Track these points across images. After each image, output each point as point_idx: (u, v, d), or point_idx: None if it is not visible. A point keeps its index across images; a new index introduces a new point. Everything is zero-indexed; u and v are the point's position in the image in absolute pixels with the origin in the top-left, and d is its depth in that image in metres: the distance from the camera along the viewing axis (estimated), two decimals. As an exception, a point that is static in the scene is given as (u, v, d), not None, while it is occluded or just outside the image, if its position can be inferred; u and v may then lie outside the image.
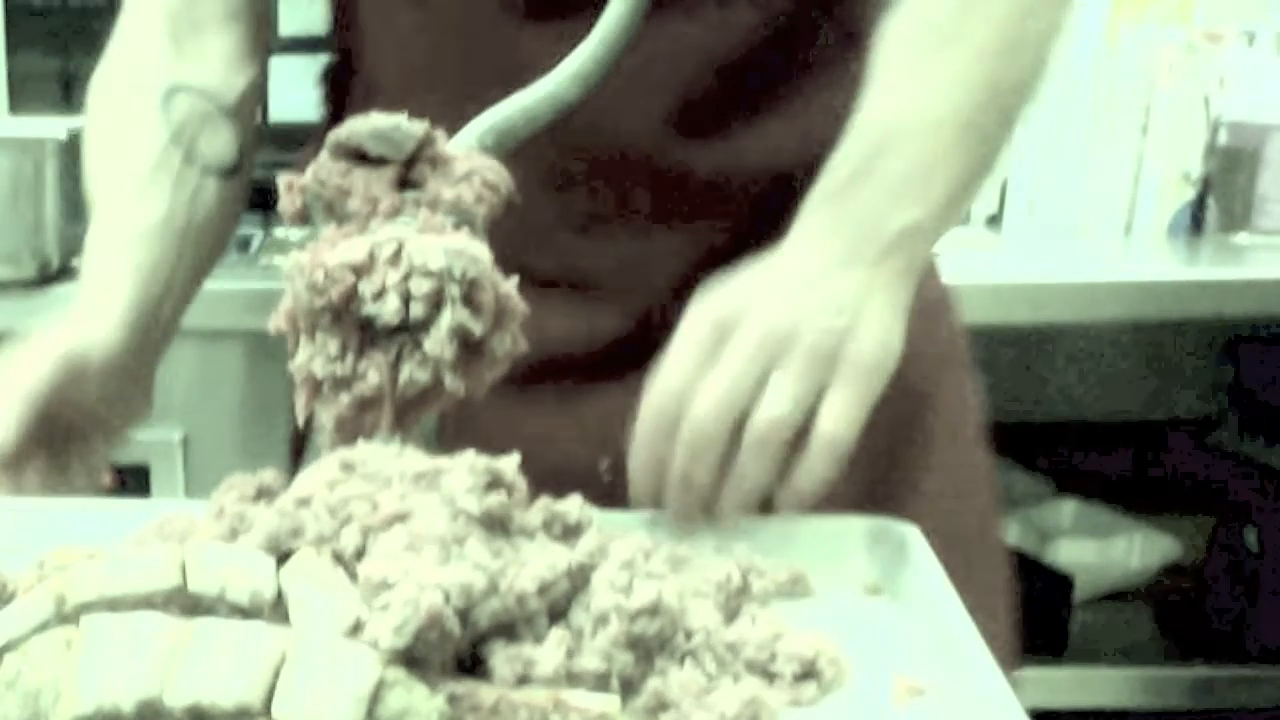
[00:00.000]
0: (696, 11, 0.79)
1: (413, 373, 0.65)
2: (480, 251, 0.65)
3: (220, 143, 0.84)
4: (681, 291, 0.76)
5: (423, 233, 0.66)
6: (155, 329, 0.81)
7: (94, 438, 0.78)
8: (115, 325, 0.78)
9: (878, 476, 0.84)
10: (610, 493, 0.78)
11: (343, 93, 0.91)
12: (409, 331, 0.65)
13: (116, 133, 0.85)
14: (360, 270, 0.65)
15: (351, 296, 0.65)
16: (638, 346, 0.81)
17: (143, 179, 0.81)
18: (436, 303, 0.64)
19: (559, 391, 0.85)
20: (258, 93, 0.89)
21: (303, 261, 0.65)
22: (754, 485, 0.66)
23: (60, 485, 0.75)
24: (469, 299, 0.65)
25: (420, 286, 0.64)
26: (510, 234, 0.78)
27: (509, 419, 0.84)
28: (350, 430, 0.67)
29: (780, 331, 0.66)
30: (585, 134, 0.79)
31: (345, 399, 0.66)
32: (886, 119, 0.70)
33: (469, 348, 0.66)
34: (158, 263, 0.81)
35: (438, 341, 0.64)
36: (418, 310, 0.64)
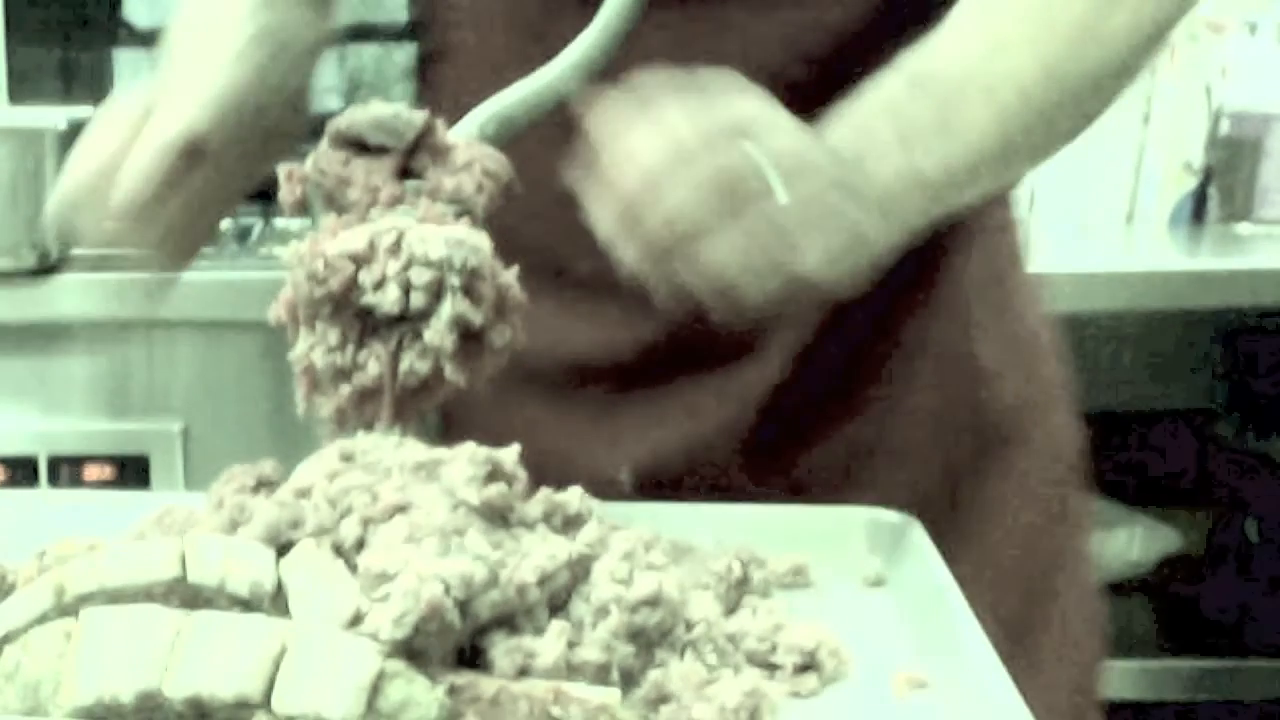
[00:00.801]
0: (771, 8, 0.76)
1: (413, 363, 0.65)
2: (481, 241, 0.65)
3: (293, 69, 0.81)
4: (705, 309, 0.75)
5: (423, 222, 0.66)
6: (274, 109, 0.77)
7: (219, 190, 0.75)
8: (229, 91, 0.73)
9: (956, 504, 0.83)
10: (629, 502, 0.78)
11: (435, 87, 0.90)
12: (409, 321, 0.65)
13: (204, 26, 0.80)
14: (360, 260, 0.64)
15: (352, 286, 0.65)
16: (672, 358, 0.80)
17: (232, 47, 0.77)
18: (436, 293, 0.64)
19: (590, 398, 0.84)
20: (321, 52, 0.87)
21: (303, 251, 0.65)
22: (723, 257, 0.61)
23: (179, 239, 0.72)
24: (469, 289, 0.65)
25: (420, 276, 0.64)
26: (556, 234, 0.77)
27: (536, 422, 0.83)
28: (350, 421, 0.67)
29: (800, 159, 0.62)
30: None
31: (345, 389, 0.66)
32: (922, 64, 0.67)
33: (469, 338, 0.66)
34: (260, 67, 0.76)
35: (438, 332, 0.64)
36: (418, 300, 0.64)
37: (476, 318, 0.65)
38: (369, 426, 0.66)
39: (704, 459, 0.82)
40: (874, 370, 0.82)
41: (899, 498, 0.79)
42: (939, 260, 0.82)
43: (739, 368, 0.81)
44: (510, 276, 0.67)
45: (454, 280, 0.64)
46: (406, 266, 0.64)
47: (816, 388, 0.82)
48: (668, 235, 0.60)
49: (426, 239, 0.64)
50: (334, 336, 0.66)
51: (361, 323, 0.66)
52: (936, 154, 0.65)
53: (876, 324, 0.82)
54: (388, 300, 0.64)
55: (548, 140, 0.73)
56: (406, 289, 0.64)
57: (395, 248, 0.64)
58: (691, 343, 0.79)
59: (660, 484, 0.81)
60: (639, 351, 0.81)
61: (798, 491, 0.81)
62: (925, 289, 0.83)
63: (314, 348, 0.66)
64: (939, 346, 0.83)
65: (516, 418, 0.82)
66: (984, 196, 0.71)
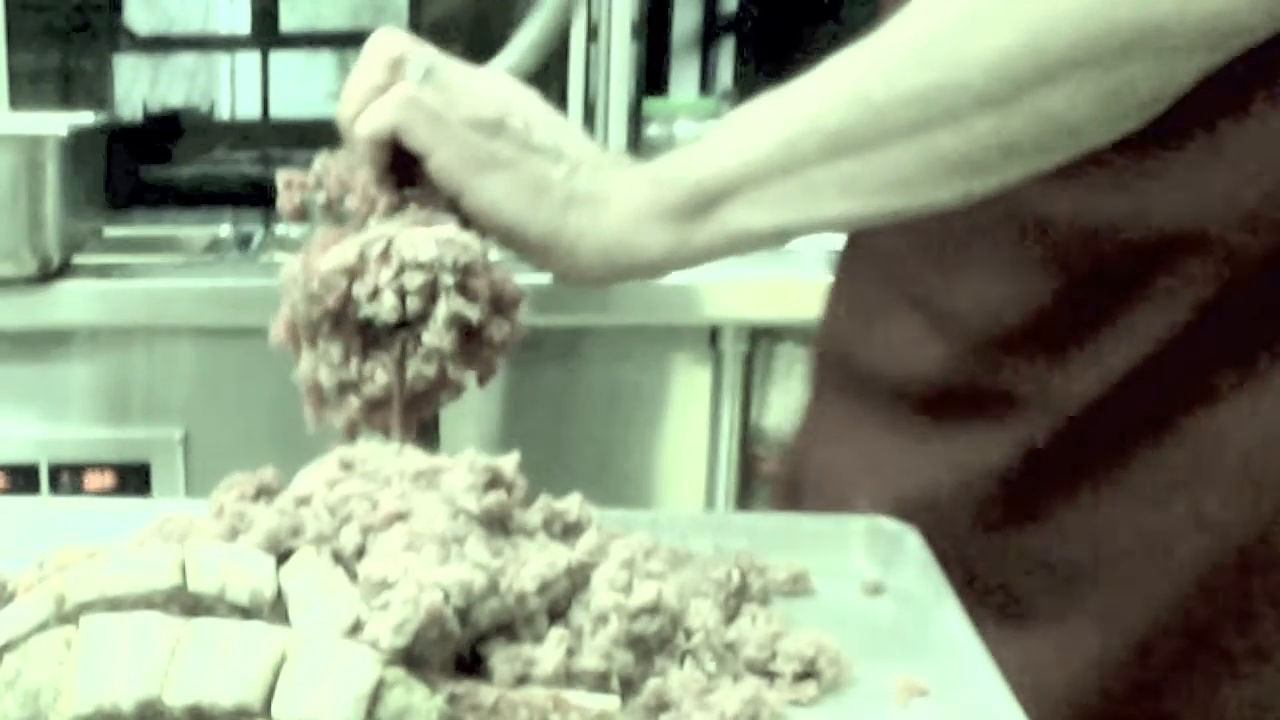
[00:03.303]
0: None
1: (418, 368, 0.65)
2: (470, 239, 0.66)
3: None
4: (1013, 345, 0.73)
5: (412, 226, 0.66)
6: None
7: None
8: None
9: (1200, 644, 0.75)
10: None
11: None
12: (409, 327, 0.65)
13: None
14: (353, 272, 0.65)
15: (347, 300, 0.65)
16: (971, 393, 0.77)
17: None
18: (432, 294, 0.64)
19: (888, 414, 0.81)
20: None
21: (295, 271, 0.65)
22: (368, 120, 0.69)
23: None
24: (464, 287, 0.65)
25: (413, 280, 0.64)
26: (891, 250, 0.77)
27: (841, 425, 0.82)
28: (362, 432, 0.67)
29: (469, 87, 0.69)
30: None
31: (355, 402, 0.66)
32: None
33: (470, 336, 0.66)
34: None
35: (436, 333, 0.64)
36: (414, 304, 0.64)
37: (474, 314, 0.65)
38: (384, 435, 0.66)
39: (954, 505, 0.78)
40: (1135, 455, 0.74)
41: (1123, 612, 0.74)
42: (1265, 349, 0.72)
43: (1013, 417, 0.76)
44: (505, 270, 0.67)
45: (447, 279, 0.64)
46: (399, 272, 0.64)
47: (1071, 459, 0.75)
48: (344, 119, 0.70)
49: (415, 242, 0.64)
50: (336, 352, 0.66)
51: (362, 334, 0.66)
52: (710, 158, 0.66)
53: (1166, 404, 0.73)
54: (384, 309, 0.64)
55: None
56: (402, 295, 0.64)
57: (385, 255, 0.64)
58: (996, 380, 0.76)
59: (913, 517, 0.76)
60: (942, 377, 0.78)
61: (1030, 572, 0.75)
62: (1243, 376, 0.72)
63: (318, 366, 0.66)
64: (1248, 454, 0.73)
65: (833, 423, 0.83)
66: (798, 221, 0.66)
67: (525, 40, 0.77)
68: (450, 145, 0.67)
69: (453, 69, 0.70)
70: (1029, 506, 0.76)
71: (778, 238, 0.67)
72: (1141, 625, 0.74)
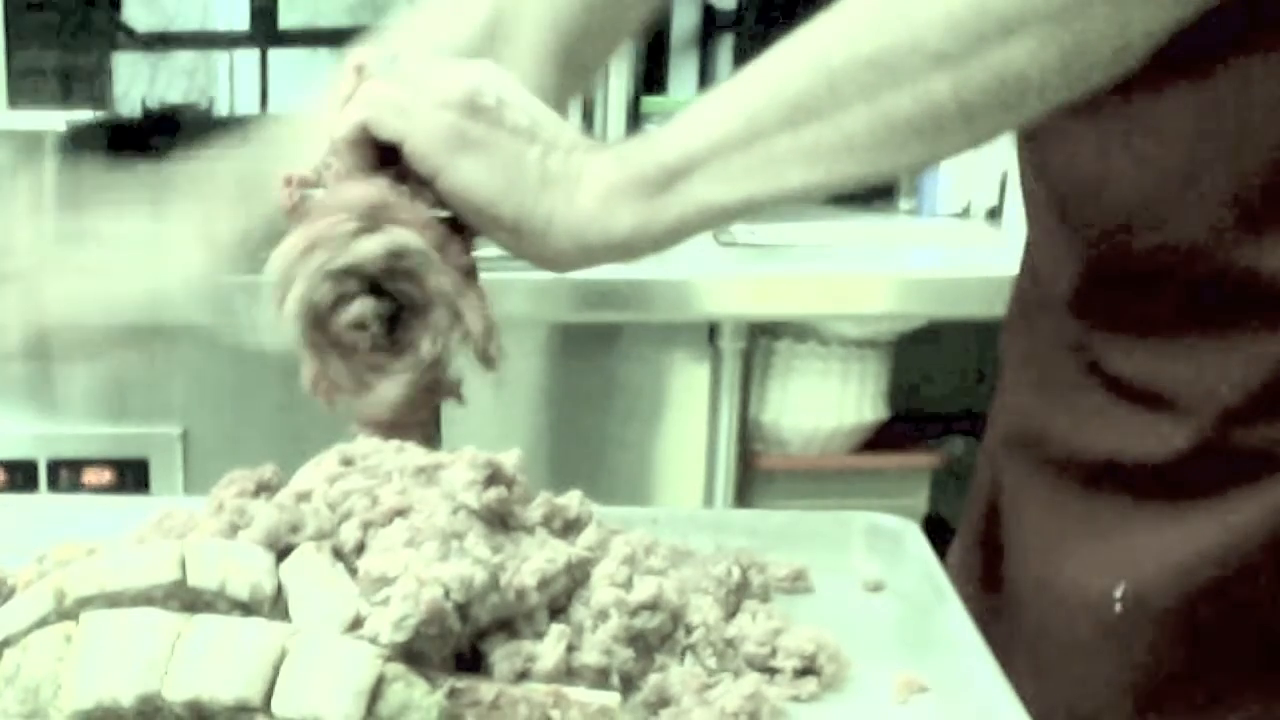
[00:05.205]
0: (1266, 81, 0.67)
1: (429, 286, 0.66)
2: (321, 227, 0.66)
3: None
4: (1247, 415, 0.70)
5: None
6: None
7: None
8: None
9: None
10: (1115, 625, 0.73)
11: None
12: (395, 297, 0.67)
13: None
14: (325, 362, 0.66)
15: (356, 351, 0.66)
16: (1197, 468, 0.73)
17: None
18: (361, 277, 0.66)
19: (1107, 502, 0.77)
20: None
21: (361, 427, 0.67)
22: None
23: None
24: (364, 229, 0.66)
25: (347, 283, 0.65)
26: (1089, 334, 0.75)
27: (1053, 513, 0.79)
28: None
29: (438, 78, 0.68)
30: (1137, 227, 0.72)
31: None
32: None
33: (450, 229, 0.67)
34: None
35: (402, 268, 0.66)
36: (373, 267, 0.66)
37: (404, 237, 0.66)
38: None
39: (1200, 585, 0.73)
40: None
41: None
42: None
43: (1262, 487, 0.72)
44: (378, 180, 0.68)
45: (347, 228, 0.65)
46: (342, 293, 0.65)
47: None
48: None
49: (310, 271, 0.65)
50: (403, 386, 0.67)
51: (396, 350, 0.67)
52: (682, 133, 0.66)
53: None
54: (368, 314, 0.65)
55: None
56: (366, 291, 0.65)
57: (317, 318, 0.66)
58: (1223, 457, 0.72)
59: (1151, 605, 0.74)
60: (1167, 458, 0.74)
61: None
62: None
63: (408, 386, 0.67)
64: None
65: (1041, 505, 0.79)
66: (753, 192, 0.66)
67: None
68: (420, 130, 0.67)
69: (416, 58, 0.69)
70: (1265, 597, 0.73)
71: (744, 210, 0.67)
72: None
